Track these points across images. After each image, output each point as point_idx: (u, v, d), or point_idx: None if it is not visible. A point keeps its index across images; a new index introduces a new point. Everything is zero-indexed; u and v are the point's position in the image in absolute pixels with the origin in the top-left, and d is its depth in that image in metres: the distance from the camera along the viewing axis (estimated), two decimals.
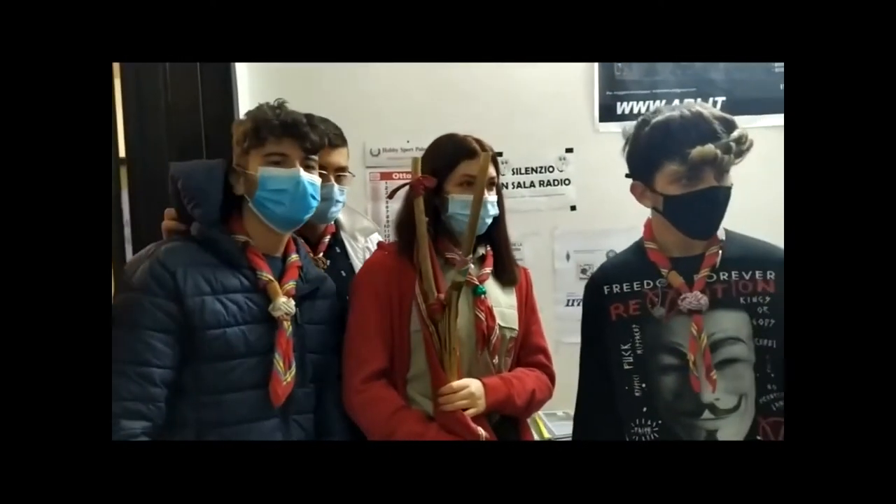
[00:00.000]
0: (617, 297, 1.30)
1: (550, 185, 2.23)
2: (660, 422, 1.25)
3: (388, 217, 2.24)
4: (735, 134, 1.17)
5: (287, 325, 1.20)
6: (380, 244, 1.44)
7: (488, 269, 1.39)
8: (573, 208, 2.26)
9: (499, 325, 1.37)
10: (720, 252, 1.25)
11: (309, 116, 1.27)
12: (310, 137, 1.22)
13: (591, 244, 2.33)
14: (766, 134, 2.19)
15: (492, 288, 1.40)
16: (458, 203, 1.34)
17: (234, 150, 1.26)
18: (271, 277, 1.21)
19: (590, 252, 2.28)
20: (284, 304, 1.20)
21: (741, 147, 1.18)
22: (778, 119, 2.26)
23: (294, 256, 1.29)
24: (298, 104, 1.28)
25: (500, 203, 1.41)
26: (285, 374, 1.18)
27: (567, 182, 2.26)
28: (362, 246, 1.75)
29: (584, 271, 2.22)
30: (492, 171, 1.36)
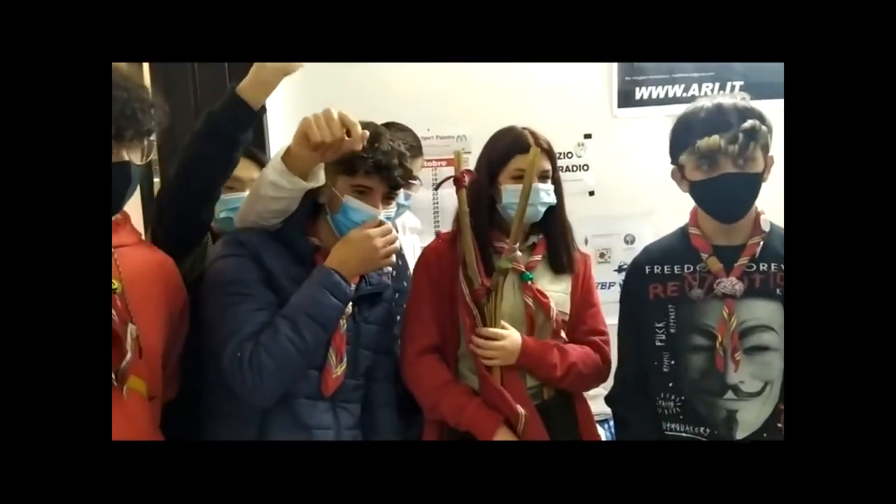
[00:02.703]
0: (657, 278, 1.35)
1: (569, 170, 2.24)
2: (683, 397, 1.32)
3: (436, 204, 2.24)
4: (746, 124, 1.21)
5: (342, 324, 1.26)
6: (437, 233, 1.53)
7: (538, 257, 1.45)
8: (591, 193, 2.28)
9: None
10: (761, 243, 1.29)
11: (390, 125, 1.31)
12: (396, 178, 1.27)
13: (608, 229, 2.35)
14: None
15: (543, 274, 1.46)
16: (510, 193, 1.41)
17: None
18: None
19: (608, 236, 2.31)
20: None
21: (751, 137, 1.21)
22: None
23: None
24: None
25: (557, 193, 1.46)
26: (336, 368, 1.26)
27: (586, 168, 2.29)
28: (409, 241, 1.84)
29: (602, 255, 2.25)
30: (547, 164, 1.43)
